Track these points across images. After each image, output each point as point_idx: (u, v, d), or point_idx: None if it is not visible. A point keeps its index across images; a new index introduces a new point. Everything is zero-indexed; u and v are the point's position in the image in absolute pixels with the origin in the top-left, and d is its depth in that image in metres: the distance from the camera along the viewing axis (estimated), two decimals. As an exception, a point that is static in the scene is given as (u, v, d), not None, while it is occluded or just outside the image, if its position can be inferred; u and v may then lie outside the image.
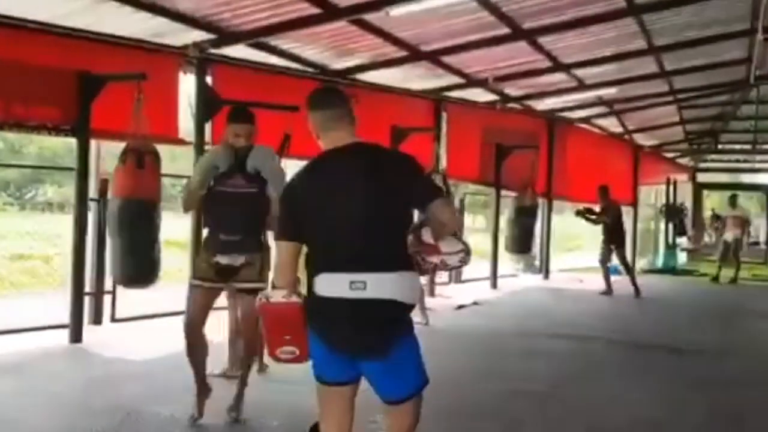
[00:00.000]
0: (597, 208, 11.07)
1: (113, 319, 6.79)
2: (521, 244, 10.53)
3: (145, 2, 6.12)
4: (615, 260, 15.26)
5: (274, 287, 2.58)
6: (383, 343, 2.45)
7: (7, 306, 8.54)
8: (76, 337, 6.29)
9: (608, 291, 10.95)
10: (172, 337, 5.54)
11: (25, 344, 6.06)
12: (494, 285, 11.45)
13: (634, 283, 10.85)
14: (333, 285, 2.41)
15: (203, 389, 4.19)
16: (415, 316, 7.99)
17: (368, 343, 2.45)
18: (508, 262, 12.86)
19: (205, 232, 4.21)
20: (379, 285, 2.39)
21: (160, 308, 7.05)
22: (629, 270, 11.16)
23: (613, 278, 11.66)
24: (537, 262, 13.52)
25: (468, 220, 26.17)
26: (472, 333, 7.47)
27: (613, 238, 10.93)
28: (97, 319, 6.80)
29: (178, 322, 6.31)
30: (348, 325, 2.43)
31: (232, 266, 4.02)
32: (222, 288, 4.18)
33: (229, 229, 4.00)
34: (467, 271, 12.46)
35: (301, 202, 2.54)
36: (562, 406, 4.93)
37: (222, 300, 4.76)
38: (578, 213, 11.13)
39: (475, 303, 9.53)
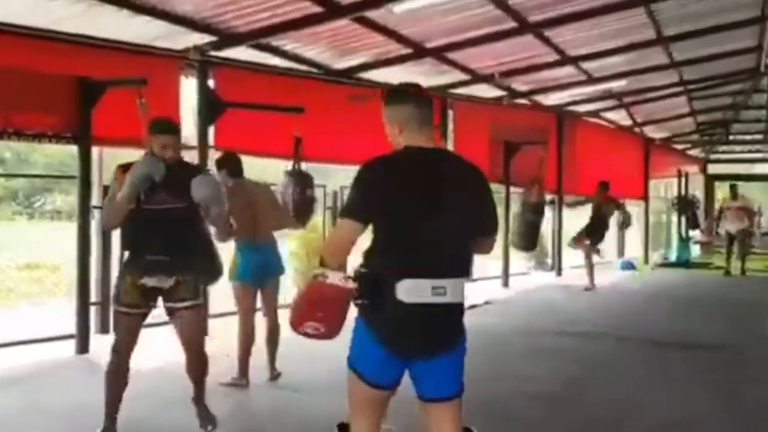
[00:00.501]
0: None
1: (120, 328, 6.68)
2: (527, 240, 10.32)
3: (144, 6, 6.02)
4: (628, 255, 15.20)
5: (322, 265, 2.51)
6: (455, 343, 2.57)
7: (14, 317, 8.48)
8: (83, 347, 6.20)
9: (591, 287, 10.98)
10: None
11: (32, 356, 5.98)
12: (506, 284, 11.31)
13: (591, 276, 10.98)
14: (417, 291, 2.44)
15: (112, 427, 3.89)
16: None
17: (444, 343, 2.54)
18: (519, 260, 12.72)
19: (126, 252, 3.89)
20: (454, 290, 2.50)
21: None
22: (591, 266, 11.14)
23: (625, 273, 11.53)
24: (549, 260, 13.37)
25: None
26: (484, 333, 7.30)
27: (593, 232, 10.97)
28: (104, 329, 6.71)
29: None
30: (430, 328, 2.49)
31: (160, 288, 3.77)
32: (149, 311, 3.88)
33: (156, 249, 3.72)
34: (477, 270, 12.35)
35: (382, 189, 2.48)
36: (577, 407, 4.80)
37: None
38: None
39: (486, 302, 9.41)
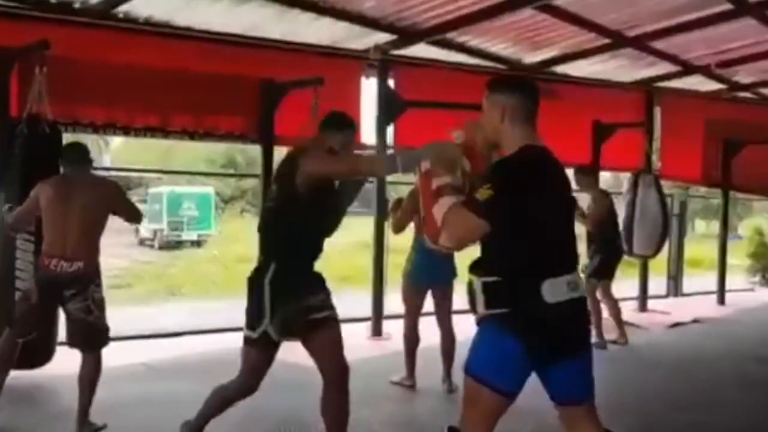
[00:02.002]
0: None
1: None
2: None
3: (327, 8, 6.11)
4: None
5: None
6: (587, 341, 2.59)
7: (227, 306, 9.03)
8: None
9: None
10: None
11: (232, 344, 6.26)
12: (722, 301, 10.06)
13: None
14: (559, 289, 2.44)
15: None
16: (611, 333, 7.06)
17: (581, 341, 2.55)
18: (741, 274, 11.31)
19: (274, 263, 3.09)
20: (581, 283, 2.55)
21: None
22: None
23: None
24: (778, 275, 11.78)
25: (700, 226, 23.92)
26: (685, 355, 6.54)
27: None
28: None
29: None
30: (570, 326, 2.49)
31: (312, 307, 3.11)
32: None
33: (316, 257, 3.13)
34: (689, 285, 11.18)
35: (530, 193, 2.43)
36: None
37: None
38: None
39: (695, 321, 8.44)
